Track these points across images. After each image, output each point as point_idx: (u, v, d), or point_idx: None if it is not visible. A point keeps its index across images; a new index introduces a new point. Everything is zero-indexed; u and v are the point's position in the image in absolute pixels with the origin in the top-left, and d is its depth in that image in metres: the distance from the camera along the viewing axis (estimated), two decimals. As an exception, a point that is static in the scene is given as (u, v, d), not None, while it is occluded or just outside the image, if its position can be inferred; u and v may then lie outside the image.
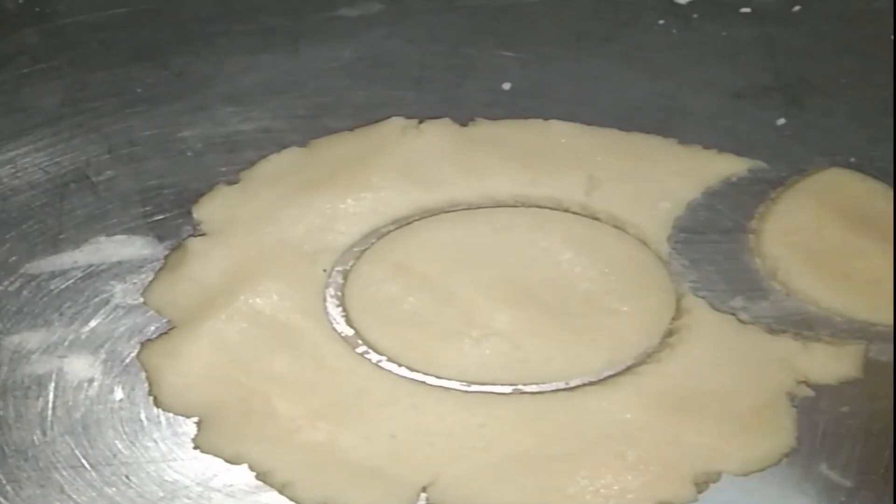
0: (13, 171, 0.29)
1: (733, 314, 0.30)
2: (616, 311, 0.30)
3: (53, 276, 0.29)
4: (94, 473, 0.29)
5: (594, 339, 0.30)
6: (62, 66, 0.30)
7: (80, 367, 0.30)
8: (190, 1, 0.30)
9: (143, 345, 0.29)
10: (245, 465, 0.29)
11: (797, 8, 0.30)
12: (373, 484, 0.29)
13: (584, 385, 0.30)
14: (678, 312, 0.30)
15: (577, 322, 0.30)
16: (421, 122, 0.29)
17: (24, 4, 0.30)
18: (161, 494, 0.29)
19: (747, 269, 0.30)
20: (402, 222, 0.30)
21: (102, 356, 0.29)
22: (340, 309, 0.30)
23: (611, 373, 0.30)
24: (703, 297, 0.30)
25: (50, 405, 0.29)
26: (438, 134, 0.29)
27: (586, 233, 0.30)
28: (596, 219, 0.30)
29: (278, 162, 0.30)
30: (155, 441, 0.29)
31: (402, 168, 0.29)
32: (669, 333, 0.30)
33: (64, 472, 0.29)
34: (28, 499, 0.29)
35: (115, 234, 0.30)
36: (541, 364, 0.30)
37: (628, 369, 0.30)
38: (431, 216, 0.30)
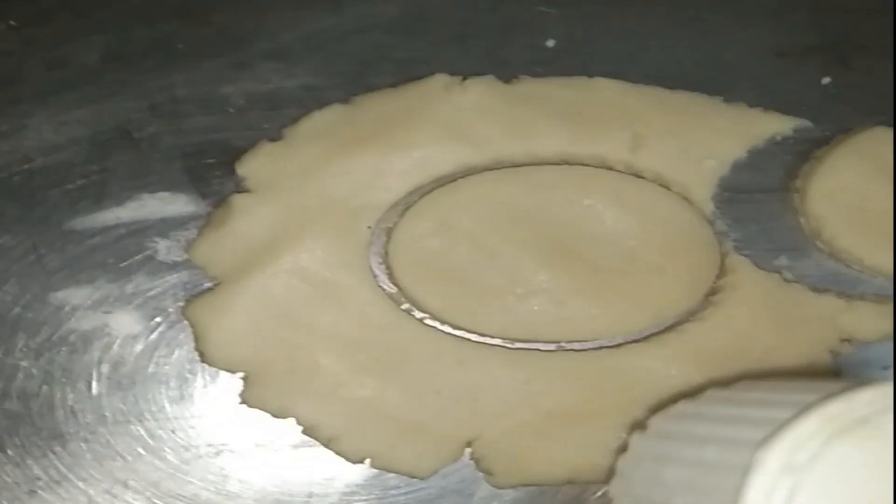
0: (55, 126, 0.29)
1: (778, 273, 0.29)
2: (660, 269, 0.30)
3: (97, 232, 0.29)
4: (139, 428, 0.30)
5: (638, 296, 0.30)
6: (103, 21, 0.29)
7: (125, 323, 0.30)
8: None
9: (188, 301, 0.29)
10: (291, 420, 0.29)
11: (842, -34, 0.30)
12: (418, 439, 0.29)
13: (628, 343, 0.30)
14: (722, 271, 0.30)
15: (621, 280, 0.30)
16: (464, 79, 0.29)
17: None
18: (207, 449, 0.30)
19: (791, 229, 0.30)
20: (446, 180, 0.29)
21: (148, 312, 0.30)
22: (384, 266, 0.29)
23: (654, 330, 0.30)
24: (746, 256, 0.30)
25: (95, 361, 0.29)
26: (482, 91, 0.29)
27: (630, 191, 0.29)
28: (640, 177, 0.30)
29: (321, 118, 0.29)
30: (201, 396, 0.30)
31: (445, 125, 0.29)
32: (713, 292, 0.30)
33: (110, 427, 0.30)
34: (73, 453, 0.29)
35: (157, 190, 0.29)
36: (584, 321, 0.30)
37: (672, 327, 0.30)
38: (475, 174, 0.29)
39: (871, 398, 0.21)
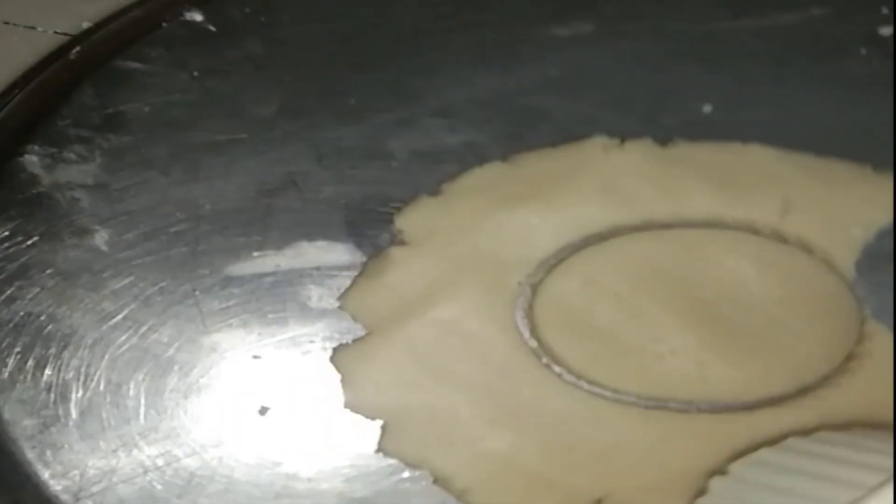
0: (225, 175, 0.30)
1: None
2: (799, 333, 0.30)
3: (254, 278, 0.30)
4: (277, 472, 0.30)
5: (776, 360, 0.30)
6: (281, 75, 0.30)
7: (273, 367, 0.30)
8: (406, 17, 0.31)
9: (336, 349, 0.30)
10: (425, 470, 0.29)
11: None
12: (548, 495, 0.30)
13: (762, 405, 0.30)
14: (860, 337, 0.30)
15: (760, 342, 0.30)
16: (623, 141, 0.30)
17: (249, 14, 0.31)
18: (342, 497, 0.30)
19: None
20: (596, 239, 0.30)
21: (296, 358, 0.30)
22: (527, 321, 0.30)
23: (788, 393, 0.30)
24: (885, 323, 0.30)
25: (241, 403, 0.30)
26: (639, 153, 0.30)
27: (775, 255, 0.30)
28: (786, 242, 0.30)
29: (480, 175, 0.30)
30: (340, 444, 0.30)
31: (601, 186, 0.30)
32: (851, 358, 0.30)
33: (249, 468, 0.30)
34: (212, 495, 0.30)
35: (316, 239, 0.30)
36: (722, 383, 0.30)
37: (806, 391, 0.30)
38: (625, 234, 0.30)
39: None
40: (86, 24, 0.30)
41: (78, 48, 0.30)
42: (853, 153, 0.30)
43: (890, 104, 0.30)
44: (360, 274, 0.30)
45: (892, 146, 0.30)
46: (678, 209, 0.30)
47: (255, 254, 0.30)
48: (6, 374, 0.29)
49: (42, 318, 0.29)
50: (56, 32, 0.31)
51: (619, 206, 0.30)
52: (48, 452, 0.29)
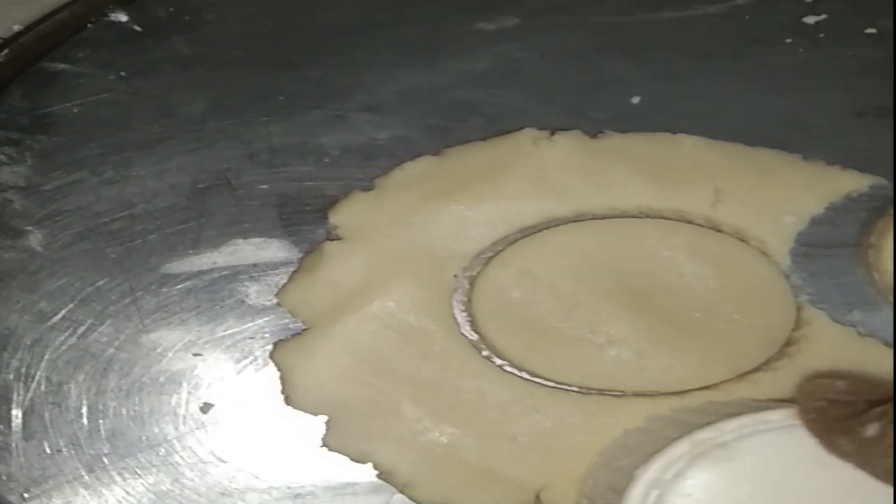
0: (157, 174, 0.36)
1: (853, 327, 0.34)
2: (736, 321, 0.36)
3: (191, 276, 0.35)
4: (222, 469, 0.36)
5: (715, 347, 0.36)
6: (208, 73, 0.36)
7: (214, 365, 0.36)
8: (332, 14, 0.36)
9: (276, 344, 0.36)
10: (369, 465, 0.35)
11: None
12: (490, 486, 0.36)
13: (699, 389, 0.35)
14: (797, 324, 0.35)
15: (698, 331, 0.36)
16: (552, 133, 0.34)
17: (174, 13, 0.36)
18: (288, 492, 0.35)
19: (865, 284, 0.36)
20: (530, 231, 0.35)
21: (236, 355, 0.36)
22: (466, 313, 0.35)
23: (725, 378, 0.35)
24: (822, 310, 0.36)
25: (183, 402, 0.35)
26: (569, 145, 0.35)
27: (709, 244, 0.36)
28: (720, 230, 0.35)
29: (412, 169, 0.36)
30: (284, 440, 0.36)
31: (532, 178, 0.36)
32: (788, 343, 0.35)
33: (193, 467, 0.35)
34: (160, 493, 0.35)
35: (252, 236, 0.36)
36: (662, 371, 0.36)
37: (744, 376, 0.35)
38: (559, 225, 0.35)
39: (737, 426, 0.30)
40: (17, 28, 0.35)
41: (5, 51, 0.34)
42: (782, 142, 0.35)
43: (816, 93, 0.34)
44: (297, 270, 0.36)
45: (820, 135, 0.34)
46: (611, 200, 0.35)
47: (191, 252, 0.36)
48: (-56, 378, 0.36)
49: (-21, 320, 0.36)
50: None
51: (551, 198, 0.35)
52: (-9, 453, 0.35)
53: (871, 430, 0.29)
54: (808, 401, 0.31)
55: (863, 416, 0.29)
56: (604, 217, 0.36)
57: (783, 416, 0.30)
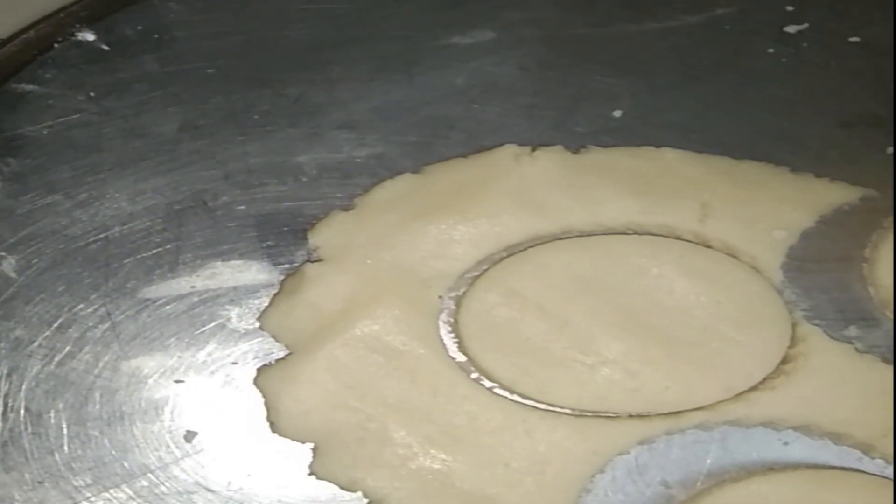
0: (131, 195, 0.39)
1: (850, 343, 0.40)
2: (731, 339, 0.40)
3: (170, 300, 0.39)
4: (209, 499, 0.39)
5: (709, 367, 0.40)
6: (180, 92, 0.39)
7: (196, 391, 0.39)
8: (305, 30, 0.40)
9: (259, 370, 0.39)
10: (359, 493, 0.39)
11: (905, 37, 0.40)
12: None
13: (693, 410, 0.40)
14: (793, 341, 0.40)
15: (692, 350, 0.40)
16: (534, 149, 0.40)
17: (142, 31, 0.39)
18: (272, 522, 0.38)
19: (861, 298, 0.40)
20: (516, 249, 0.39)
21: (219, 381, 0.39)
22: (453, 335, 0.40)
23: (721, 399, 0.41)
24: (817, 326, 0.40)
25: (167, 430, 0.39)
26: (551, 161, 0.39)
27: (699, 260, 0.40)
28: (709, 246, 0.40)
29: (392, 188, 0.40)
30: (271, 467, 0.39)
31: (515, 195, 0.39)
32: (785, 361, 0.40)
33: (179, 498, 0.39)
34: None
35: (231, 259, 0.40)
36: (656, 392, 0.40)
37: (740, 396, 0.41)
38: (545, 243, 0.40)
39: None
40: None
41: (-29, 73, 0.41)
42: (769, 155, 0.40)
43: (801, 104, 0.41)
44: (278, 292, 0.40)
45: (807, 147, 0.41)
46: (596, 216, 0.40)
47: (169, 275, 0.39)
48: (-81, 410, 0.36)
49: (-49, 350, 0.37)
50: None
51: (536, 215, 0.39)
52: (-32, 488, 0.36)
53: None
54: None
55: None
56: (591, 234, 0.40)
57: None
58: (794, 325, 0.41)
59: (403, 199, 0.40)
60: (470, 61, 0.41)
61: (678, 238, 0.40)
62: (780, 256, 0.41)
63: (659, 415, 0.40)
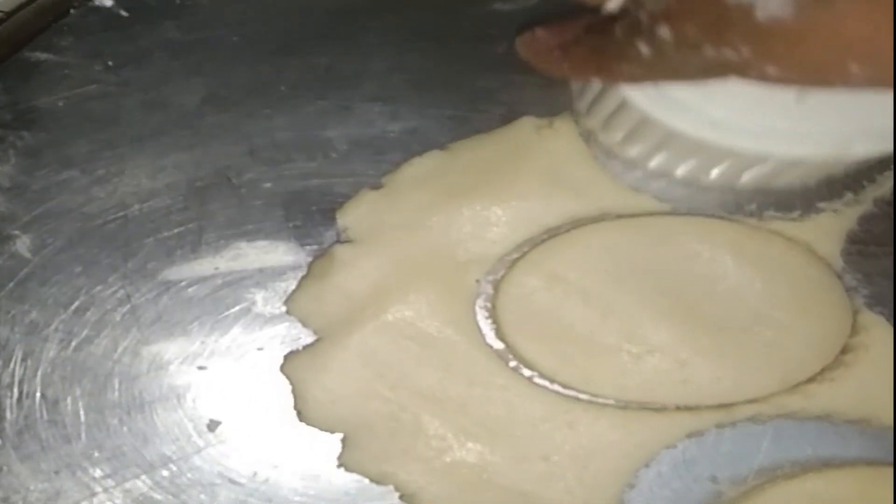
0: (152, 172, 0.37)
1: None
2: (787, 328, 0.37)
3: (193, 282, 0.38)
4: (234, 489, 0.38)
5: (763, 357, 0.37)
6: (203, 62, 0.37)
7: (220, 378, 0.38)
8: None
9: (287, 357, 0.37)
10: (390, 486, 0.37)
11: None
12: None
13: (746, 403, 0.38)
14: (854, 330, 0.38)
15: (745, 339, 0.37)
16: (552, 121, 0.37)
17: None
18: (299, 510, 0.38)
19: None
20: (556, 231, 0.37)
21: (243, 367, 0.38)
22: (491, 321, 0.38)
23: (776, 390, 0.38)
24: (880, 314, 0.37)
25: (189, 419, 0.38)
26: (574, 134, 0.37)
27: (754, 244, 0.37)
28: (764, 229, 0.38)
29: (421, 166, 0.37)
30: (297, 458, 0.38)
31: (548, 174, 0.37)
32: (844, 351, 0.38)
33: (202, 490, 0.37)
34: None
35: (256, 239, 0.38)
36: (706, 383, 0.37)
37: (796, 387, 0.38)
38: (586, 224, 0.37)
39: None
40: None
41: (-17, 40, 0.37)
42: None
43: None
44: (306, 275, 0.37)
45: None
46: (635, 196, 0.37)
47: (192, 256, 0.37)
48: (-69, 396, 0.36)
49: (-35, 333, 0.36)
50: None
51: (569, 195, 0.37)
52: (-16, 477, 0.36)
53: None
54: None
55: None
56: (634, 215, 0.39)
57: None
58: (854, 313, 0.38)
59: (433, 178, 0.37)
60: (511, 28, 0.37)
61: (730, 219, 0.37)
62: (840, 241, 0.38)
63: (709, 407, 0.38)
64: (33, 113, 0.38)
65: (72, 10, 0.38)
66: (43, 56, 0.38)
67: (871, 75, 0.25)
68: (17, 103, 0.38)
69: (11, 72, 0.38)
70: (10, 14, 0.36)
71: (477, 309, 0.38)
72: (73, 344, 0.37)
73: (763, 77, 0.26)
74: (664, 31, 0.27)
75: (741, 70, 0.26)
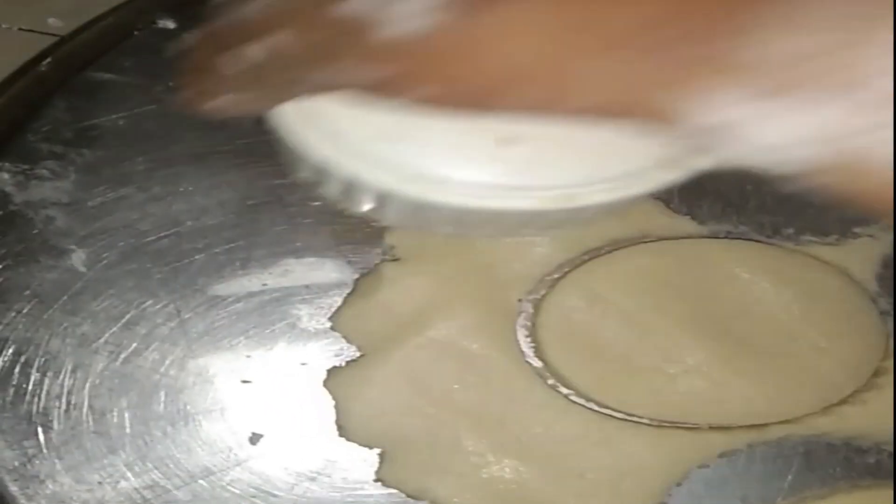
0: (206, 189, 0.38)
1: None
2: (821, 350, 0.38)
3: (240, 298, 0.38)
4: (272, 501, 0.38)
5: (797, 378, 0.38)
6: None
7: (263, 392, 0.38)
8: None
9: (329, 372, 0.38)
10: (427, 501, 0.37)
11: None
12: None
13: (779, 423, 0.38)
14: (887, 353, 0.38)
15: (779, 360, 0.38)
16: None
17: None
18: (340, 526, 0.38)
19: None
20: (597, 252, 0.38)
21: (287, 382, 0.38)
22: (531, 340, 0.38)
23: (808, 412, 0.38)
24: None
25: (231, 431, 0.38)
26: None
27: (790, 267, 0.38)
28: (801, 253, 0.38)
29: None
30: (336, 472, 0.38)
31: None
32: (877, 374, 0.38)
33: (242, 500, 0.38)
34: None
35: (304, 256, 0.38)
36: (741, 403, 0.38)
37: (829, 409, 0.38)
38: (627, 246, 0.38)
39: None
40: (52, 21, 0.38)
41: (48, 59, 0.38)
42: None
43: None
44: (352, 292, 0.38)
45: None
46: (674, 219, 0.38)
47: (241, 272, 0.38)
48: (-17, 404, 0.37)
49: (19, 343, 0.37)
50: (20, 29, 0.39)
51: (613, 217, 0.37)
52: (31, 486, 0.37)
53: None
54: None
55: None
56: (672, 238, 0.40)
57: None
58: (888, 337, 0.38)
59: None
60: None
61: (768, 243, 0.38)
62: (875, 265, 0.38)
63: (742, 427, 0.38)
64: (94, 131, 0.38)
65: (135, 32, 0.39)
66: (106, 76, 0.39)
67: (537, 100, 0.22)
68: (79, 122, 0.38)
69: (74, 91, 0.39)
70: (73, 34, 0.37)
71: (517, 328, 0.38)
72: (122, 356, 0.38)
73: (425, 99, 0.24)
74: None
75: (388, 89, 0.24)
